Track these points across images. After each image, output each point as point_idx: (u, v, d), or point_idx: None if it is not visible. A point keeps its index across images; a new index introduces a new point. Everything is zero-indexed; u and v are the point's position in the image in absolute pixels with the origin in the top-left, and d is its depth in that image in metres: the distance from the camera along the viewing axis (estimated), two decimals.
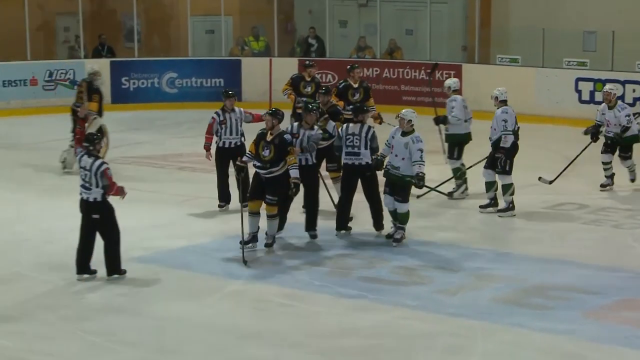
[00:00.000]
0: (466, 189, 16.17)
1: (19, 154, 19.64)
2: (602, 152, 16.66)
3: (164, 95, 24.17)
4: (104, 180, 11.72)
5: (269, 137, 12.87)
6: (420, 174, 13.10)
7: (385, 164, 13.64)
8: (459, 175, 16.13)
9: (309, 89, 17.90)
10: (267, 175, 12.94)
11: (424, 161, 13.14)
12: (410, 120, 13.32)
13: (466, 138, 16.20)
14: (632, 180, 16.79)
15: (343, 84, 17.18)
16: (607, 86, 17.00)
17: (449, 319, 11.03)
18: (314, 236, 13.95)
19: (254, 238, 13.19)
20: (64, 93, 23.57)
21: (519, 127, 15.37)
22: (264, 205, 13.30)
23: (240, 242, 13.07)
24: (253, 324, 11.01)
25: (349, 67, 17.52)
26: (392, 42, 24.80)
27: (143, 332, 10.49)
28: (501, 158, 15.04)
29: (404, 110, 13.58)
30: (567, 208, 15.80)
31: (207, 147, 15.22)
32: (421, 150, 13.12)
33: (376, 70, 23.61)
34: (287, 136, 13.09)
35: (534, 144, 19.54)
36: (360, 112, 13.89)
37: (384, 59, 24.46)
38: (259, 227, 13.22)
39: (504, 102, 15.28)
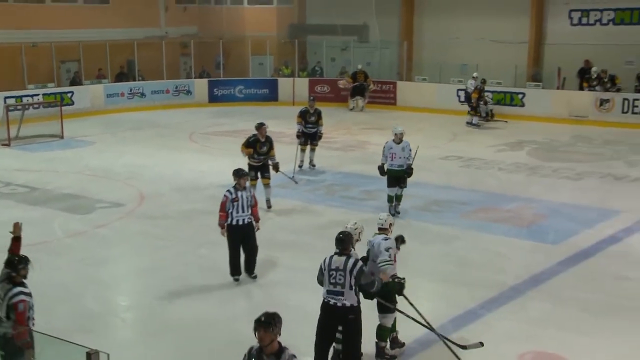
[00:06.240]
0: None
1: None
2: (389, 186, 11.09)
3: (237, 98, 23.90)
4: None
5: None
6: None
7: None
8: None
9: (313, 119, 13.98)
10: None
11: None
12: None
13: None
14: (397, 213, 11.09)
15: (253, 137, 11.26)
16: (399, 128, 10.94)
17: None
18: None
19: None
20: None
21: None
22: None
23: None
24: (281, 220, 11.06)
25: (257, 124, 11.38)
26: (359, 69, 24.41)
27: None
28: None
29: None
30: (451, 159, 15.46)
31: (223, 225, 8.32)
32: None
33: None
34: None
35: (435, 123, 19.65)
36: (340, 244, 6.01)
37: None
38: None
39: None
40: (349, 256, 5.98)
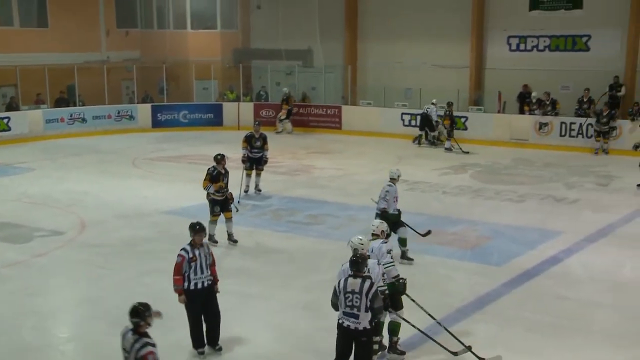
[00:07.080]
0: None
1: None
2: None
3: (181, 123, 23.69)
4: None
5: None
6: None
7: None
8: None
9: (258, 143, 14.07)
10: None
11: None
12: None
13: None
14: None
15: (215, 171, 10.69)
16: (399, 170, 10.53)
17: (333, 242, 10.84)
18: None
19: None
20: None
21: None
22: None
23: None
24: (228, 246, 10.94)
25: (219, 156, 10.85)
26: (304, 92, 24.68)
27: None
28: None
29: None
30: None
31: (180, 290, 7.07)
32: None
33: (296, 109, 23.50)
34: None
35: (380, 147, 19.80)
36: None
37: (300, 102, 24.23)
38: None
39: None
40: (364, 278, 6.03)
